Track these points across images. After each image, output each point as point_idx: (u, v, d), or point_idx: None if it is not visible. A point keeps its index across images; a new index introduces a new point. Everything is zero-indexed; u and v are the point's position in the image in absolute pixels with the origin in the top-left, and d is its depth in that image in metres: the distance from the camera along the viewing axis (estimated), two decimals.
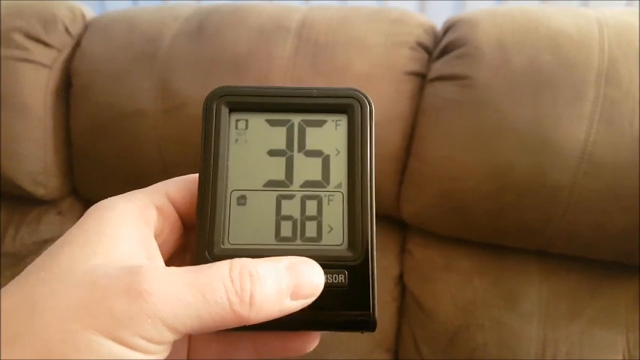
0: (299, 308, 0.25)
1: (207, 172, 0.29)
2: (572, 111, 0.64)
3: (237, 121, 0.30)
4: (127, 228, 0.26)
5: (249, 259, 0.25)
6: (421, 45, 0.77)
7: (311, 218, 0.29)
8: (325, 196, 0.29)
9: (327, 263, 0.27)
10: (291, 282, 0.25)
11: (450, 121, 0.70)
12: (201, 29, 0.79)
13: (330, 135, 0.30)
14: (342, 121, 0.30)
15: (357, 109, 0.30)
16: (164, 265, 0.27)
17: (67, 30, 0.88)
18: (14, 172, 0.87)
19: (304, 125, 0.30)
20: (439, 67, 0.73)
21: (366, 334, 0.80)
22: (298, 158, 0.30)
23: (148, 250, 0.26)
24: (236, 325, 0.24)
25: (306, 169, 0.30)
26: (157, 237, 0.28)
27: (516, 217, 0.68)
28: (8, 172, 0.87)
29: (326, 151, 0.30)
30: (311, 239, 0.29)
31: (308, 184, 0.29)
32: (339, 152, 0.30)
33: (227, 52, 0.76)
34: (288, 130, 0.30)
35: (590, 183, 0.64)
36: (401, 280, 0.80)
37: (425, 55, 0.77)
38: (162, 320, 0.22)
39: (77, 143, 0.88)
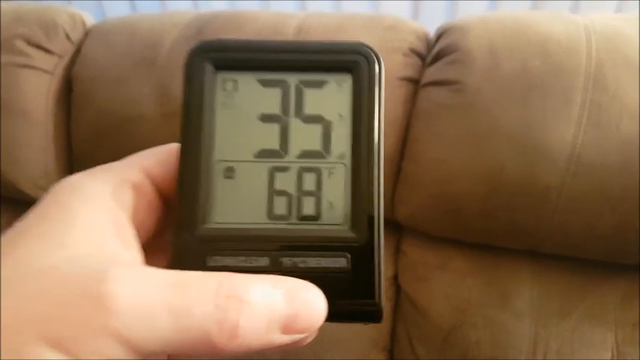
0: (288, 343, 0.21)
1: (189, 140, 0.25)
2: (561, 114, 0.65)
3: (224, 81, 0.26)
4: (97, 212, 0.22)
5: (243, 276, 0.21)
6: (414, 51, 0.78)
7: (309, 194, 0.25)
8: (325, 168, 0.25)
9: (327, 245, 0.24)
10: (286, 313, 0.21)
11: (442, 125, 0.72)
12: (200, 36, 0.81)
13: (332, 97, 0.26)
14: (346, 81, 0.26)
15: (364, 67, 0.26)
16: (140, 255, 0.23)
17: (67, 36, 0.90)
18: (15, 176, 0.88)
19: (302, 86, 0.26)
20: (432, 73, 0.75)
21: (364, 332, 0.80)
22: (295, 125, 0.26)
23: (123, 237, 0.22)
24: (208, 357, 0.20)
25: (304, 137, 0.26)
26: (133, 218, 0.24)
27: (508, 217, 0.70)
28: (9, 176, 0.88)
29: (327, 117, 0.26)
30: (308, 218, 0.25)
31: (306, 154, 0.26)
32: (342, 117, 0.26)
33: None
34: (283, 91, 0.26)
35: (579, 184, 0.66)
36: (395, 281, 0.81)
37: (418, 61, 0.78)
38: (125, 340, 0.18)
39: (78, 148, 0.89)
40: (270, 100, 0.26)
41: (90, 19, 0.95)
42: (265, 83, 0.26)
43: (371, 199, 0.25)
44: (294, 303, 0.21)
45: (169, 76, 0.79)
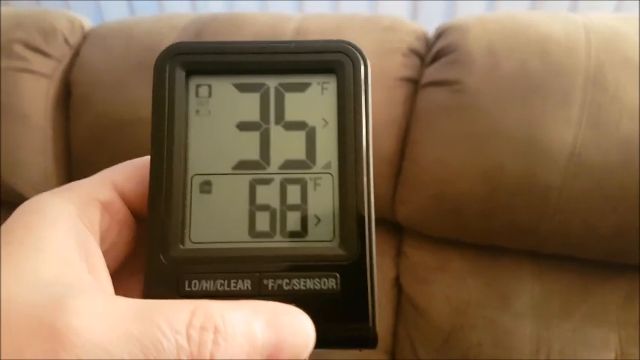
0: None
1: (160, 153, 0.23)
2: (561, 114, 0.65)
3: (197, 86, 0.24)
4: (62, 235, 0.20)
5: (219, 303, 0.18)
6: (413, 51, 0.78)
7: (293, 208, 0.23)
8: (311, 179, 0.23)
9: (314, 264, 0.22)
10: (268, 342, 0.19)
11: (442, 126, 0.71)
12: (198, 38, 0.81)
13: (315, 102, 0.24)
14: (330, 83, 0.24)
15: (349, 68, 0.24)
16: (107, 281, 0.21)
17: (66, 40, 0.90)
18: (15, 180, 0.88)
19: (282, 90, 0.24)
20: (431, 73, 0.75)
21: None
22: (276, 132, 0.24)
23: (89, 262, 0.20)
24: None
25: (287, 145, 0.24)
26: (102, 240, 0.22)
27: (508, 218, 0.70)
28: (9, 180, 0.88)
29: (310, 123, 0.24)
30: (294, 234, 0.23)
31: (289, 164, 0.23)
32: (327, 123, 0.24)
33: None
34: (262, 96, 0.24)
35: (579, 184, 0.65)
36: (397, 282, 0.81)
37: (417, 61, 0.78)
38: None
39: (77, 152, 0.89)
40: (248, 106, 0.24)
41: (88, 23, 0.95)
42: (242, 88, 0.24)
43: (361, 212, 0.22)
44: (277, 331, 0.19)
45: None
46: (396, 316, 0.81)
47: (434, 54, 0.76)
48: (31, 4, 1.31)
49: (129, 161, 0.24)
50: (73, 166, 0.91)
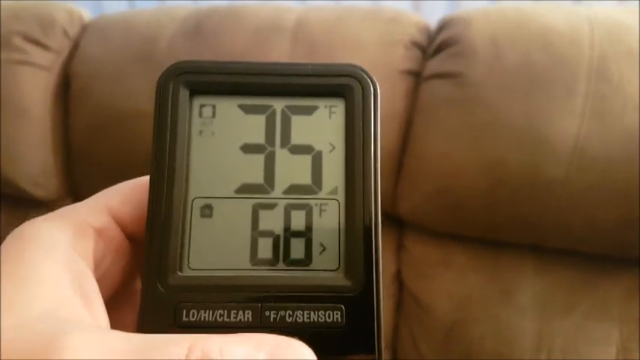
0: None
1: (161, 174, 0.22)
2: (564, 106, 0.65)
3: (201, 107, 0.23)
4: (54, 266, 0.19)
5: (218, 338, 0.18)
6: (415, 44, 0.78)
7: (298, 234, 0.22)
8: (316, 205, 0.22)
9: (318, 295, 0.21)
10: None
11: (444, 119, 0.71)
12: (198, 30, 0.80)
13: (322, 125, 0.23)
14: (338, 106, 0.23)
15: (358, 92, 0.23)
16: (102, 313, 0.20)
17: (65, 32, 0.89)
18: (14, 173, 0.88)
19: (289, 113, 0.23)
20: (433, 66, 0.74)
21: None
22: (281, 156, 0.23)
23: (83, 293, 0.20)
24: None
25: (292, 169, 0.23)
26: (96, 268, 0.21)
27: (511, 211, 0.69)
28: (8, 173, 0.88)
29: (317, 147, 0.23)
30: (297, 262, 0.22)
31: (294, 189, 0.23)
32: (334, 148, 0.23)
33: (224, 52, 0.77)
34: (268, 118, 0.23)
35: (583, 177, 0.65)
36: (398, 277, 0.81)
37: (419, 54, 0.78)
38: None
39: (76, 144, 0.89)
40: (253, 127, 0.23)
41: (88, 15, 0.95)
42: (248, 109, 0.23)
43: (368, 241, 0.22)
44: None
45: None
46: (397, 310, 0.81)
47: (436, 46, 0.75)
48: None
49: (125, 183, 0.24)
50: (73, 158, 0.90)
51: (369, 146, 0.23)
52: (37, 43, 0.88)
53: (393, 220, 0.82)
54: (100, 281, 0.21)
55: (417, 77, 0.76)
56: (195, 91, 0.23)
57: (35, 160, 0.88)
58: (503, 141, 0.67)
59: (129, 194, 0.23)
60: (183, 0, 1.28)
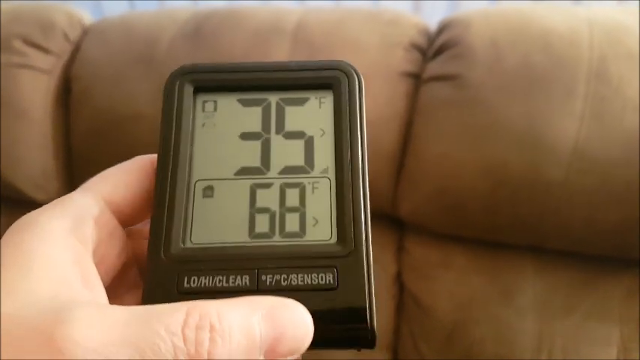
0: None
1: (166, 161, 0.24)
2: (564, 108, 0.65)
3: (204, 102, 0.26)
4: (55, 251, 0.20)
5: (215, 302, 0.19)
6: (415, 46, 0.78)
7: (292, 210, 0.24)
8: (309, 183, 0.24)
9: (312, 260, 0.22)
10: (267, 336, 0.19)
11: (444, 120, 0.71)
12: (198, 32, 0.80)
13: (313, 114, 0.26)
14: (327, 97, 0.26)
15: (344, 83, 0.26)
16: (103, 294, 0.21)
17: (65, 35, 0.89)
18: (14, 176, 0.88)
19: (283, 104, 0.26)
20: (433, 67, 0.74)
21: None
22: (276, 141, 0.25)
23: (84, 276, 0.20)
24: None
25: (286, 152, 0.25)
26: (93, 254, 0.22)
27: (511, 212, 0.69)
28: (8, 176, 0.88)
29: (309, 132, 0.25)
30: (292, 234, 0.24)
31: (288, 170, 0.25)
32: (324, 133, 0.25)
33: (224, 54, 0.77)
34: (264, 110, 0.26)
35: (583, 178, 0.65)
36: (399, 278, 0.81)
37: (419, 56, 0.78)
38: None
39: (77, 147, 0.89)
40: (250, 118, 0.26)
41: (88, 18, 0.95)
42: (246, 102, 0.26)
43: (357, 212, 0.23)
44: (276, 323, 0.19)
45: (168, 74, 0.79)
46: (397, 312, 0.81)
47: (436, 48, 0.75)
48: None
49: (114, 168, 0.25)
50: (73, 161, 0.90)
51: (356, 129, 0.25)
52: (38, 46, 0.88)
53: (394, 222, 0.82)
54: (97, 266, 0.22)
55: (416, 79, 0.76)
56: (199, 88, 0.26)
57: (35, 162, 0.89)
58: (503, 142, 0.67)
59: (120, 179, 0.24)
60: (183, 0, 1.29)
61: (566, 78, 0.65)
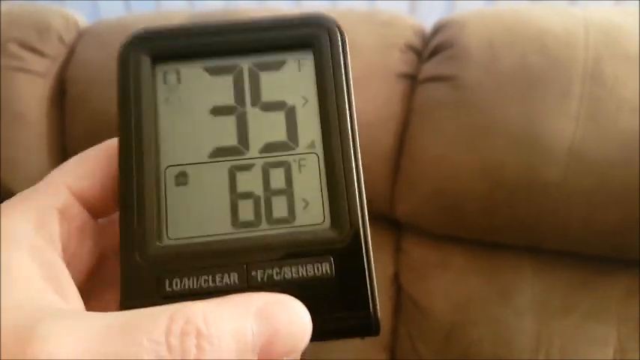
0: None
1: (129, 146, 0.21)
2: (559, 109, 0.65)
3: (164, 73, 0.22)
4: (20, 256, 0.18)
5: (201, 304, 0.17)
6: (411, 47, 0.78)
7: (278, 192, 0.21)
8: (295, 160, 0.22)
9: (305, 249, 0.20)
10: (260, 336, 0.17)
11: (441, 121, 0.71)
12: None
13: (292, 79, 0.22)
14: (307, 59, 0.23)
15: (325, 41, 0.22)
16: (76, 298, 0.19)
17: (61, 38, 0.89)
18: (11, 179, 0.88)
19: (257, 70, 0.23)
20: (429, 68, 0.74)
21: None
22: (253, 115, 0.22)
23: (54, 280, 0.18)
24: None
25: (266, 127, 0.22)
26: (64, 252, 0.20)
27: (508, 213, 0.69)
28: (5, 180, 0.88)
29: (290, 102, 0.22)
30: (281, 220, 0.21)
31: (270, 147, 0.22)
32: (307, 101, 0.22)
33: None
34: (235, 78, 0.22)
35: (579, 179, 0.65)
36: (396, 279, 0.81)
37: (415, 57, 0.78)
38: None
39: (73, 150, 0.88)
40: (221, 89, 0.22)
41: (83, 21, 0.94)
42: (213, 71, 0.23)
43: (351, 191, 0.21)
44: (269, 322, 0.17)
45: None
46: (395, 313, 0.81)
47: (432, 49, 0.75)
48: (25, 1, 1.30)
49: (78, 156, 0.22)
50: None
51: (342, 96, 0.22)
52: (33, 49, 0.88)
53: (391, 223, 0.82)
54: (69, 265, 0.20)
55: (412, 80, 0.76)
56: (157, 57, 0.23)
57: (31, 165, 0.88)
58: (500, 143, 0.67)
59: (85, 167, 0.22)
60: (180, 1, 1.28)
61: (561, 79, 0.65)
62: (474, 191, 0.70)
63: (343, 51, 0.22)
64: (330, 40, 0.22)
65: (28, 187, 0.76)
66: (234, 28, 0.23)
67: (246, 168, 0.22)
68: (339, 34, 0.23)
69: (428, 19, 0.84)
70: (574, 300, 0.72)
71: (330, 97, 0.22)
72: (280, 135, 0.22)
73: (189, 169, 0.22)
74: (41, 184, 0.21)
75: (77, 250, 0.21)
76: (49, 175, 0.22)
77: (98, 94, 0.84)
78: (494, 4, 1.13)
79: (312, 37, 0.23)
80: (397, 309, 0.80)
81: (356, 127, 0.22)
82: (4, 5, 0.93)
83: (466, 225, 0.74)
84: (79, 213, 0.21)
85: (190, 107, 0.22)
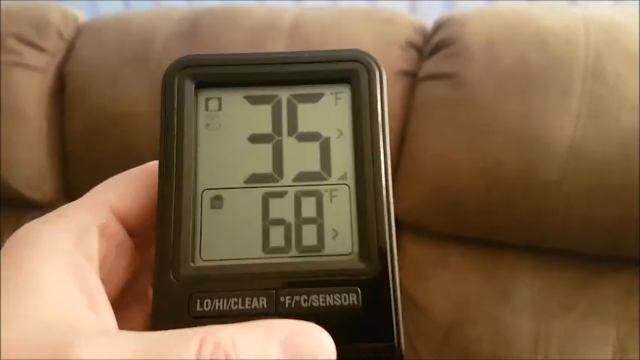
0: None
1: (169, 168, 0.22)
2: (560, 107, 0.65)
3: (207, 100, 0.23)
4: (58, 271, 0.18)
5: (230, 328, 0.17)
6: (411, 44, 0.78)
7: (309, 221, 0.22)
8: (326, 190, 0.22)
9: (333, 279, 0.21)
10: None
11: (441, 119, 0.71)
12: (193, 31, 0.80)
13: (329, 112, 0.23)
14: (344, 92, 0.23)
15: (364, 76, 0.23)
16: (110, 315, 0.20)
17: (60, 34, 0.89)
18: (10, 176, 0.87)
19: (295, 101, 0.23)
20: (429, 66, 0.74)
21: None
22: (289, 144, 0.23)
23: (90, 296, 0.19)
24: None
25: (300, 157, 0.23)
26: (101, 266, 0.21)
27: (507, 212, 0.69)
28: (3, 176, 0.87)
29: (325, 133, 0.23)
30: (310, 249, 0.22)
31: (303, 176, 0.23)
32: (341, 133, 0.23)
33: (220, 52, 0.77)
34: (274, 108, 0.23)
35: (579, 177, 0.65)
36: None
37: (415, 55, 0.78)
38: None
39: (72, 146, 0.88)
40: (259, 118, 0.23)
41: (83, 17, 0.94)
42: (253, 100, 0.24)
43: (381, 224, 0.21)
44: (294, 350, 0.18)
45: (163, 73, 0.78)
46: None
47: (432, 47, 0.75)
48: None
49: (120, 176, 0.23)
50: (68, 160, 0.90)
51: (377, 130, 0.22)
52: (32, 44, 0.87)
53: None
54: (104, 281, 0.20)
55: (413, 78, 0.76)
56: (201, 84, 0.23)
57: (30, 162, 0.88)
58: (500, 142, 0.67)
59: (127, 187, 0.23)
60: (179, 0, 1.28)
61: (562, 77, 0.65)
62: (474, 189, 0.70)
63: (380, 86, 0.23)
64: (368, 75, 0.23)
65: (26, 183, 0.76)
66: (275, 60, 0.24)
67: (280, 195, 0.22)
68: (377, 69, 0.23)
69: (428, 17, 0.84)
70: (573, 299, 0.72)
71: (364, 130, 0.22)
72: (314, 165, 0.23)
73: (224, 193, 0.22)
74: (83, 200, 0.22)
75: (113, 266, 0.22)
76: (91, 191, 0.22)
77: (97, 90, 0.83)
78: (494, 2, 1.13)
79: (350, 72, 0.23)
80: None
81: (389, 162, 0.22)
82: (4, 1, 0.93)
83: (465, 224, 0.74)
84: (117, 231, 0.22)
85: (229, 134, 0.23)
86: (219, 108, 0.23)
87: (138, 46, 0.82)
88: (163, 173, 0.22)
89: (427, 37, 0.79)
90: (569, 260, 0.73)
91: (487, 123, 0.67)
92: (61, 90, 0.88)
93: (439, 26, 0.77)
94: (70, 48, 0.89)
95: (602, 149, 0.64)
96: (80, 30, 0.91)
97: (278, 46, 0.76)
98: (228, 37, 0.78)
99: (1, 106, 0.85)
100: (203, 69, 0.24)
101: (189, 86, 0.23)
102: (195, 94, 0.23)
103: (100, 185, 0.23)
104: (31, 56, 0.87)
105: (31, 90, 0.87)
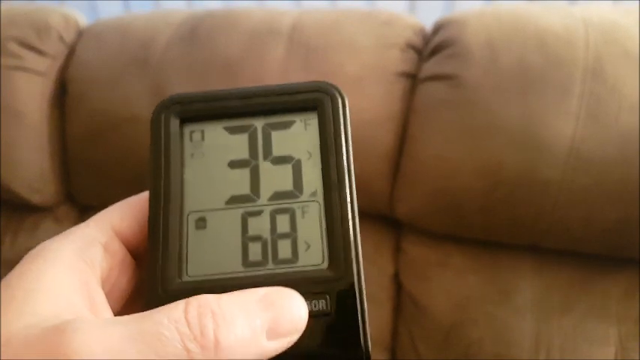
0: (281, 350, 0.20)
1: (158, 194, 0.24)
2: (560, 107, 0.65)
3: (191, 132, 0.26)
4: (64, 274, 0.21)
5: (211, 294, 0.20)
6: (411, 46, 0.78)
7: (284, 236, 0.24)
8: (299, 207, 0.25)
9: (306, 288, 0.22)
10: (266, 318, 0.20)
11: (441, 121, 0.71)
12: (193, 34, 0.80)
13: (299, 137, 0.26)
14: (312, 119, 0.26)
15: (328, 104, 0.26)
16: (111, 315, 0.22)
17: (61, 38, 0.89)
18: (11, 179, 0.88)
19: (269, 129, 0.26)
20: (429, 68, 0.74)
21: None
22: (265, 167, 0.26)
23: (91, 299, 0.21)
24: None
25: (275, 178, 0.25)
26: (105, 281, 0.23)
27: (508, 213, 0.69)
28: (5, 179, 0.88)
29: (296, 156, 0.26)
30: (285, 261, 0.24)
31: (278, 195, 0.25)
32: (311, 155, 0.25)
33: (220, 56, 0.77)
34: (250, 136, 0.26)
35: (579, 178, 0.65)
36: (396, 279, 0.81)
37: (415, 56, 0.78)
38: None
39: (73, 149, 0.89)
40: (238, 146, 0.26)
41: (83, 20, 0.94)
42: (232, 130, 0.26)
43: (347, 235, 0.24)
44: (270, 307, 0.20)
45: (163, 76, 0.78)
46: (395, 312, 0.81)
47: (432, 48, 0.75)
48: (25, 1, 1.30)
49: (122, 201, 0.26)
50: (69, 163, 0.90)
51: (342, 150, 0.25)
52: (33, 48, 0.87)
53: (391, 222, 0.82)
54: (109, 294, 0.23)
55: (412, 79, 0.76)
56: (185, 119, 0.26)
57: (31, 165, 0.88)
58: (499, 142, 0.67)
59: (126, 212, 0.25)
60: (179, 1, 1.28)
61: (561, 77, 0.65)
62: (474, 190, 0.70)
63: (343, 113, 0.26)
64: (332, 103, 0.26)
65: (27, 186, 0.76)
66: (250, 94, 0.27)
67: (257, 214, 0.25)
68: (339, 99, 0.26)
69: (427, 18, 0.84)
70: (574, 299, 0.72)
71: (330, 152, 0.25)
72: (287, 185, 0.25)
73: (207, 215, 0.25)
74: (88, 222, 0.24)
75: (117, 281, 0.24)
76: (96, 214, 0.25)
77: (98, 93, 0.84)
78: (494, 3, 1.13)
79: (317, 101, 0.26)
80: (397, 308, 0.80)
81: (353, 179, 0.25)
82: (4, 4, 0.93)
83: (466, 224, 0.74)
84: (119, 249, 0.24)
85: (211, 161, 0.26)
86: (202, 139, 0.26)
87: (138, 50, 0.82)
88: (153, 198, 0.25)
89: (427, 38, 0.79)
90: (570, 260, 0.73)
91: (487, 124, 0.67)
92: (61, 93, 0.89)
93: (438, 28, 0.77)
94: (71, 51, 0.89)
95: (601, 149, 0.64)
96: (81, 33, 0.91)
97: (278, 48, 0.76)
98: (228, 39, 0.78)
99: (2, 109, 0.85)
100: (187, 105, 0.26)
101: (175, 122, 0.26)
102: (181, 128, 0.26)
103: (103, 210, 0.25)
104: (32, 60, 0.87)
105: (31, 93, 0.87)
